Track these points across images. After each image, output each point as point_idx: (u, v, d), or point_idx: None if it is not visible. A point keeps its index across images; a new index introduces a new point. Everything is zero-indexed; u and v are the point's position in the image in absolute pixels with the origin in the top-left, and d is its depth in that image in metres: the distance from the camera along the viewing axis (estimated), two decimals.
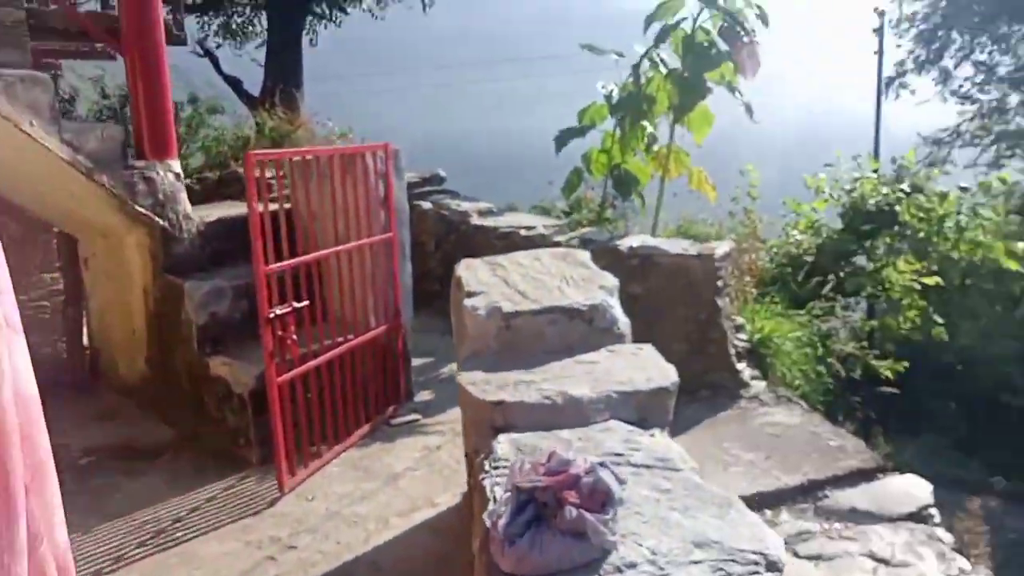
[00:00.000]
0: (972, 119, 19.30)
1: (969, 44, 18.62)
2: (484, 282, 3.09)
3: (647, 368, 2.54)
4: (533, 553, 1.59)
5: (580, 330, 2.77)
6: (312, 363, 3.95)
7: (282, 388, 3.74)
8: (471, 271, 3.32)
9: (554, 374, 2.51)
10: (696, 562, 1.60)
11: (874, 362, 6.89)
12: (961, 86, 19.15)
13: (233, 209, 5.43)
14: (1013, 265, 7.19)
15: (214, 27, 15.19)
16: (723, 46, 6.19)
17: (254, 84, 14.07)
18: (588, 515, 1.63)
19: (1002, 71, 18.75)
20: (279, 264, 3.76)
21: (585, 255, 3.49)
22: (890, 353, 8.49)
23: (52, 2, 5.24)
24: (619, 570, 1.58)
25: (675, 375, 2.50)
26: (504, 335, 2.75)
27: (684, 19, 6.34)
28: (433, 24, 15.43)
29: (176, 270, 4.47)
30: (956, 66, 19.05)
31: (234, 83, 14.04)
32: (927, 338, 7.91)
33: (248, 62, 15.63)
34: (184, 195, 4.61)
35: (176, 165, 4.62)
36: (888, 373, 6.96)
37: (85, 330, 5.55)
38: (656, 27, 6.41)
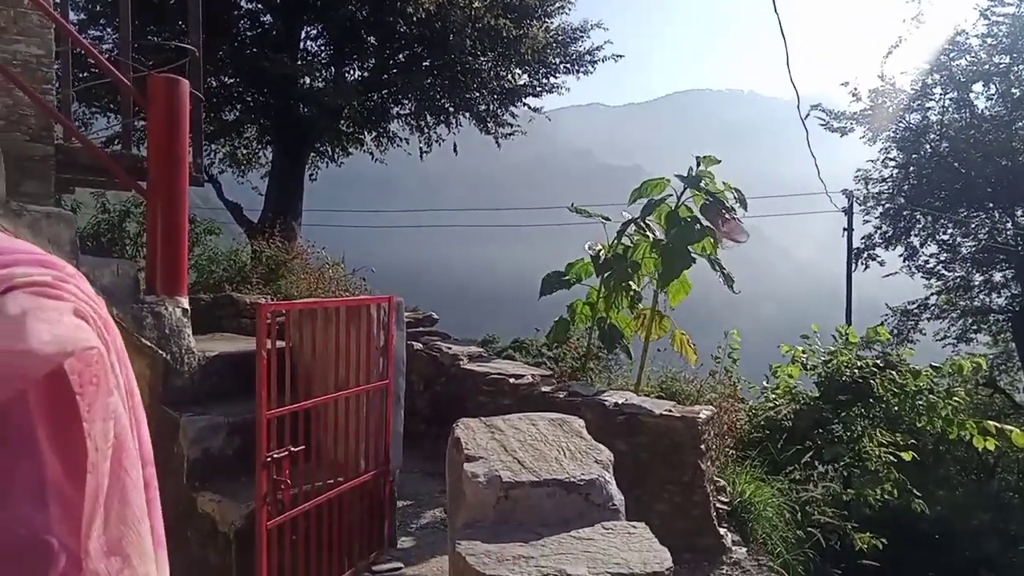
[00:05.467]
0: (939, 294, 20.26)
1: (932, 225, 19.90)
2: (483, 446, 3.19)
3: (642, 549, 2.61)
4: None
5: (577, 504, 2.85)
6: (303, 507, 3.94)
7: (271, 532, 3.71)
8: (469, 432, 3.41)
9: (552, 550, 2.57)
10: None
11: (853, 534, 6.90)
12: (927, 262, 20.24)
13: (232, 343, 5.55)
14: (985, 443, 7.40)
15: (220, 155, 15.85)
16: (705, 222, 6.64)
17: (252, 210, 14.53)
18: None
19: (964, 251, 19.90)
20: (281, 408, 3.84)
21: (580, 423, 3.61)
22: (868, 520, 8.49)
23: (80, 142, 5.57)
24: None
25: (669, 559, 2.57)
26: (503, 504, 2.82)
27: (669, 195, 6.83)
28: (429, 163, 16.26)
29: (173, 403, 4.52)
30: (922, 244, 20.25)
31: (234, 208, 14.48)
32: (905, 506, 7.97)
33: (249, 189, 16.23)
34: (189, 330, 4.74)
35: (184, 301, 4.77)
36: (865, 546, 6.96)
37: None
38: (643, 201, 6.88)
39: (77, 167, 5.82)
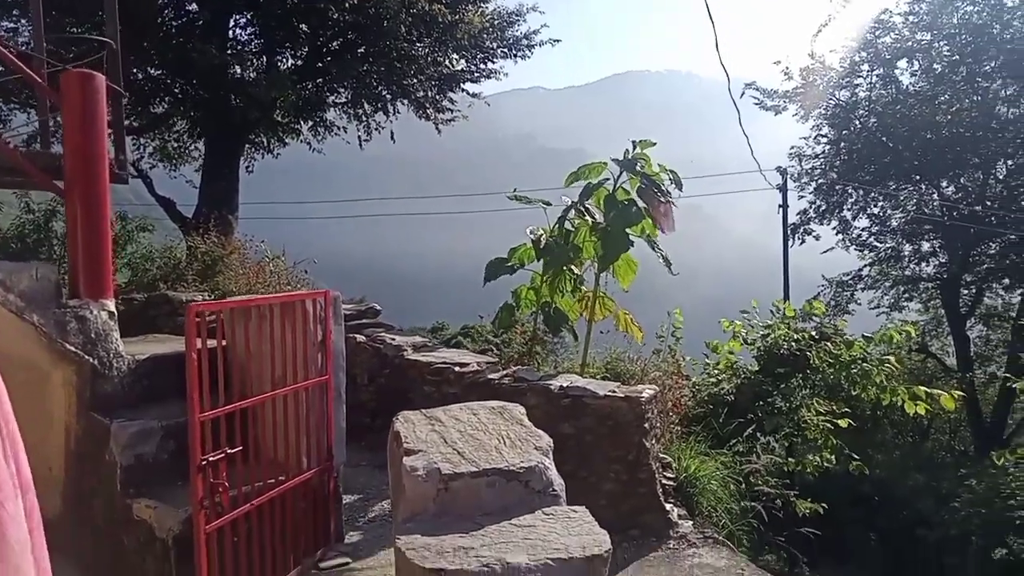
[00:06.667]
0: (872, 265, 20.96)
1: (864, 199, 20.57)
2: (422, 439, 3.17)
3: (582, 533, 2.63)
4: None
5: (517, 492, 2.86)
6: (242, 509, 3.86)
7: (210, 537, 3.63)
8: (409, 425, 3.39)
9: (492, 539, 2.57)
10: None
11: (795, 501, 7.11)
12: (859, 235, 20.92)
13: (165, 345, 5.38)
14: (916, 408, 7.70)
15: (150, 149, 15.32)
16: (642, 204, 6.70)
17: (187, 205, 14.09)
18: None
19: (894, 223, 20.63)
20: (214, 411, 3.74)
21: (521, 410, 3.61)
22: (810, 486, 8.77)
23: None
24: None
25: (608, 542, 2.60)
26: (443, 496, 2.81)
27: (607, 179, 6.86)
28: (369, 150, 16.01)
29: (103, 408, 4.36)
30: (854, 217, 20.92)
31: (167, 204, 14.02)
32: (845, 471, 8.26)
33: (182, 183, 15.72)
34: (116, 334, 4.57)
35: (111, 304, 4.60)
36: (806, 511, 7.18)
37: None
38: (580, 183, 6.90)
39: None
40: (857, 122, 20.26)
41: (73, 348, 4.26)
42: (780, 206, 18.07)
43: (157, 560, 3.98)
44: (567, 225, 7.06)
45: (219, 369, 3.88)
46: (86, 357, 4.32)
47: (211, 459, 3.64)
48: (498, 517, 2.75)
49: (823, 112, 20.75)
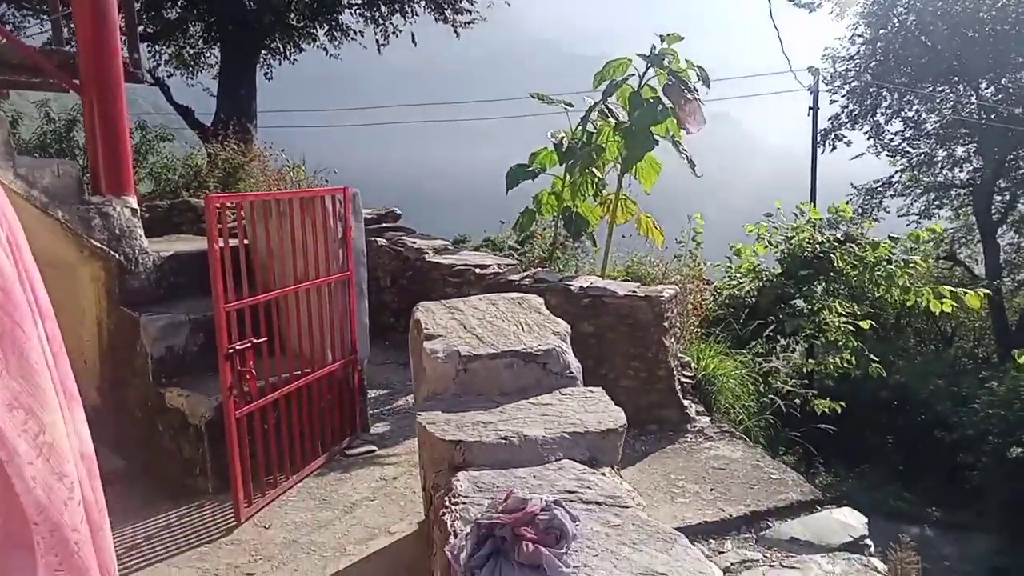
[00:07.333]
0: (903, 171, 20.40)
1: (898, 102, 19.81)
2: (442, 325, 3.21)
3: (598, 411, 2.69)
4: None
5: (535, 373, 2.91)
6: (270, 397, 3.99)
7: (240, 421, 3.78)
8: (429, 314, 3.43)
9: (510, 415, 2.64)
10: None
11: (813, 400, 7.19)
12: (892, 140, 20.27)
13: (189, 244, 5.45)
14: (940, 307, 7.63)
15: (166, 56, 15.09)
16: (668, 103, 6.50)
17: (206, 113, 13.98)
18: (544, 549, 1.76)
19: (929, 127, 19.93)
20: (239, 301, 3.82)
21: (539, 300, 3.63)
22: (829, 390, 8.85)
23: (5, 37, 5.24)
24: None
25: (623, 418, 2.65)
26: (462, 377, 2.87)
27: (631, 76, 6.65)
28: (388, 60, 15.63)
29: (132, 303, 4.47)
30: (887, 121, 20.21)
31: (185, 112, 13.91)
32: (865, 375, 8.30)
33: (200, 91, 15.55)
34: (140, 231, 4.63)
35: (132, 201, 4.64)
36: (824, 409, 7.27)
37: None
38: (605, 82, 6.70)
39: (7, 67, 5.50)
40: (895, 20, 19.29)
41: (99, 244, 4.33)
42: (811, 108, 17.43)
43: (191, 445, 4.16)
44: (589, 127, 6.92)
45: (242, 266, 3.93)
46: (112, 253, 4.39)
47: (238, 348, 3.74)
48: (516, 397, 2.81)
49: (860, 10, 19.77)
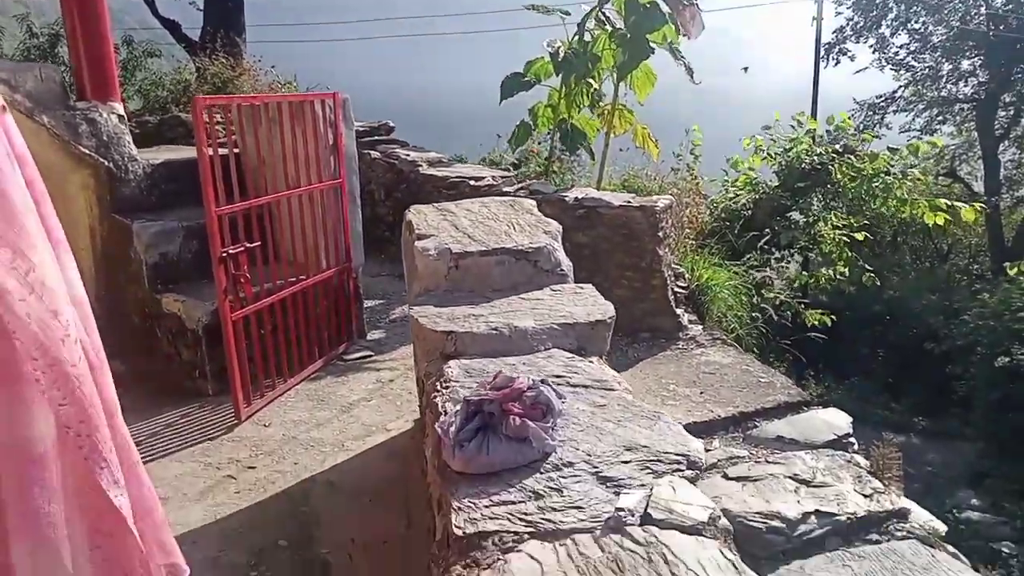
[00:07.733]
0: (907, 86, 19.97)
1: (905, 13, 19.20)
2: (434, 226, 3.22)
3: (587, 304, 2.72)
4: (481, 455, 1.76)
5: (526, 270, 2.93)
6: (265, 301, 4.04)
7: (236, 324, 3.83)
8: (421, 215, 3.43)
9: (501, 309, 2.67)
10: (626, 462, 1.80)
11: (804, 312, 7.26)
12: (897, 53, 19.76)
13: (179, 153, 5.40)
14: (936, 219, 7.60)
15: None
16: (665, 8, 6.32)
17: (193, 28, 13.57)
18: (531, 423, 1.81)
19: (935, 39, 19.41)
20: (230, 206, 3.81)
21: (531, 203, 3.63)
22: (823, 304, 8.93)
23: None
24: (557, 468, 1.77)
25: (612, 310, 2.69)
26: (454, 274, 2.89)
27: None
28: None
29: (124, 211, 4.47)
30: (893, 34, 19.65)
31: (172, 26, 13.50)
32: (859, 288, 8.34)
33: (186, 4, 15.05)
34: (128, 138, 4.57)
35: (119, 107, 4.57)
36: (815, 321, 7.35)
37: None
38: None
39: None
40: None
41: (87, 151, 4.28)
42: (814, 18, 16.88)
43: (189, 349, 4.23)
44: (586, 36, 6.74)
45: (231, 173, 3.90)
46: (101, 160, 4.35)
47: (231, 251, 3.75)
48: (507, 293, 2.84)
49: None
